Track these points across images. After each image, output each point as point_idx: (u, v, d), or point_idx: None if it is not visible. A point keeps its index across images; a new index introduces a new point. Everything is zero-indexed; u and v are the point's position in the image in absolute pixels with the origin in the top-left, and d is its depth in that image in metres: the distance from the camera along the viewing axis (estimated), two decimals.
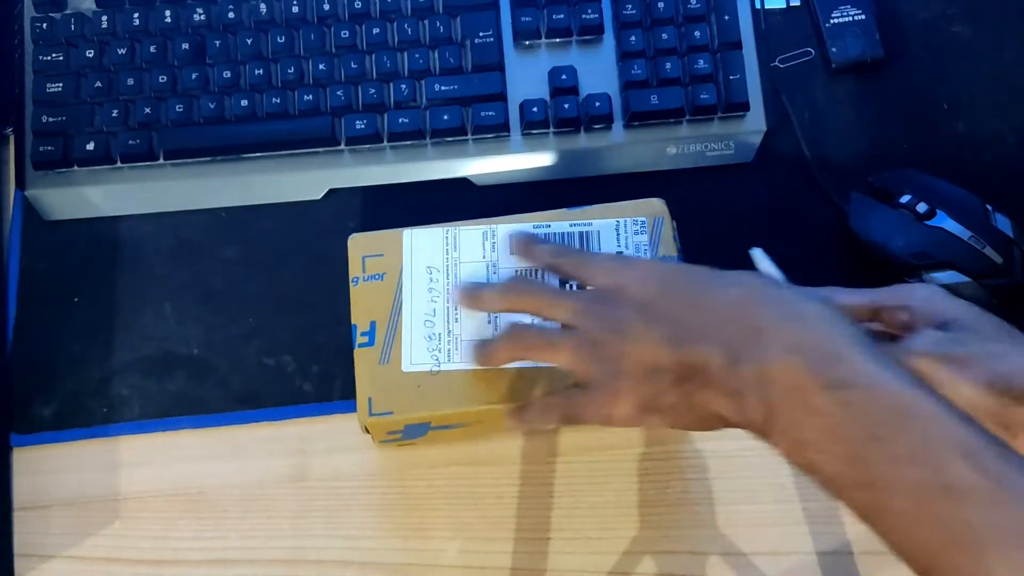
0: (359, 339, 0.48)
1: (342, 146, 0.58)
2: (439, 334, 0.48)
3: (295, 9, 0.58)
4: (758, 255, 0.52)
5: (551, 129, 0.58)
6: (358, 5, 0.58)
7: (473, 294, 0.47)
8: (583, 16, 0.58)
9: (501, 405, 0.46)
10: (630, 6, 0.58)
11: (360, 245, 0.50)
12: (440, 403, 0.47)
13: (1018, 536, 0.30)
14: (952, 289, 0.52)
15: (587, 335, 0.41)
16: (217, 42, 0.58)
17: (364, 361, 0.48)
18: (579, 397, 0.42)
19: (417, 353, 0.48)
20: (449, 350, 0.48)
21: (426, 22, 0.58)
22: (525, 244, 0.47)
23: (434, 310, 0.49)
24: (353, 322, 0.49)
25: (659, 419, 0.41)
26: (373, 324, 0.48)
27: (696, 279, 0.41)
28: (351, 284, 0.49)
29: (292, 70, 0.58)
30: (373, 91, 0.57)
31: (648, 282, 0.41)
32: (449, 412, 0.47)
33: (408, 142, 0.58)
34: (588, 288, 0.44)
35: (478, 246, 0.50)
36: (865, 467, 0.33)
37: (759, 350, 0.36)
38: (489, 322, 0.48)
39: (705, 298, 0.40)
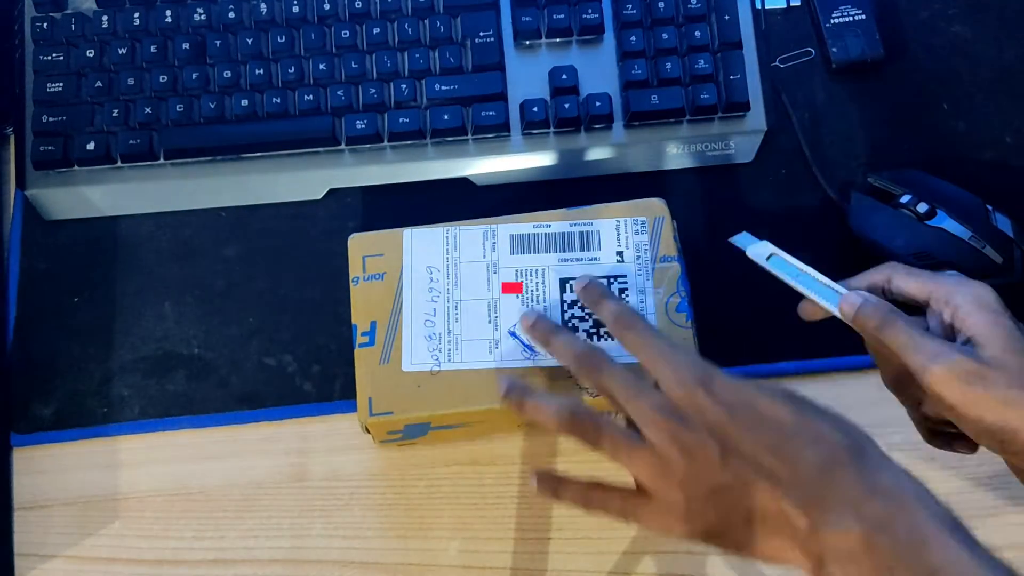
0: (359, 339, 0.48)
1: (342, 146, 0.58)
2: (439, 334, 0.48)
3: (295, 9, 0.58)
4: (742, 240, 0.50)
5: (551, 129, 0.58)
6: (358, 5, 0.58)
7: (543, 332, 0.45)
8: (583, 16, 0.58)
9: (501, 405, 0.46)
10: (630, 6, 0.58)
11: (360, 245, 0.50)
12: (440, 403, 0.47)
13: None
14: None
15: (661, 450, 0.39)
16: (217, 42, 0.58)
17: (364, 361, 0.48)
18: (642, 506, 0.40)
19: (417, 353, 0.48)
20: (449, 350, 0.48)
21: (426, 22, 0.58)
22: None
23: (434, 310, 0.49)
24: (353, 322, 0.49)
25: (722, 547, 0.39)
26: (373, 324, 0.48)
27: (780, 419, 0.38)
28: (351, 284, 0.49)
29: (292, 70, 0.58)
30: (373, 91, 0.57)
31: (733, 410, 0.38)
32: (449, 412, 0.47)
33: (408, 142, 0.58)
34: (665, 391, 0.40)
35: (478, 246, 0.50)
36: None
37: (846, 518, 0.35)
38: (490, 322, 0.48)
39: (790, 445, 0.37)
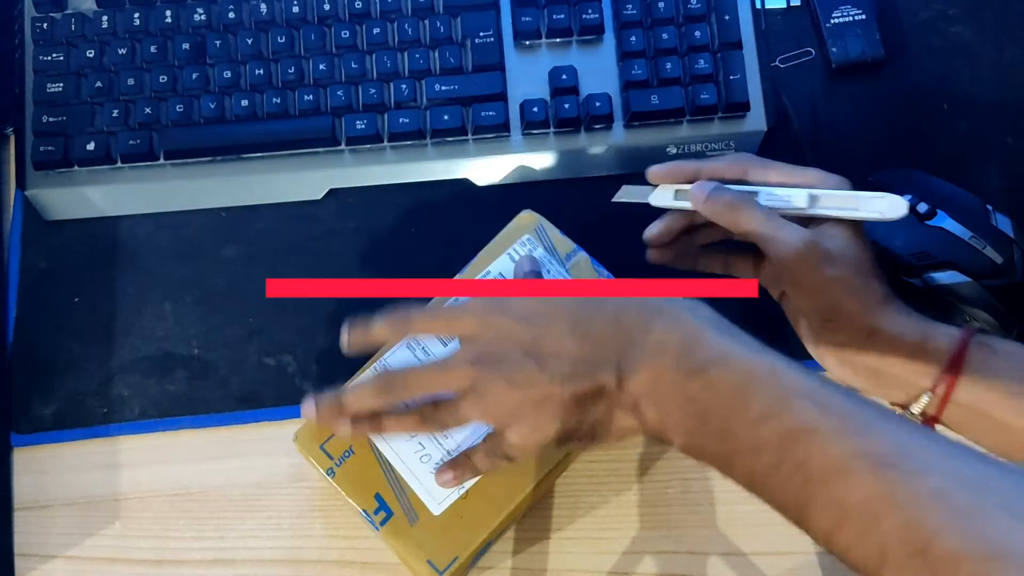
0: (376, 519, 0.46)
1: (342, 146, 0.58)
2: (441, 460, 0.47)
3: (295, 9, 0.58)
4: (634, 192, 0.51)
5: (551, 129, 0.58)
6: (358, 5, 0.58)
7: (348, 394, 0.45)
8: (583, 16, 0.58)
9: (536, 481, 0.47)
10: (630, 6, 0.58)
11: (307, 440, 0.48)
12: (490, 515, 0.46)
13: (862, 459, 0.32)
14: (953, 289, 0.52)
15: (482, 387, 0.41)
16: (217, 42, 0.58)
17: (396, 534, 0.46)
18: (499, 444, 0.43)
19: (437, 491, 0.47)
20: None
21: (426, 22, 0.58)
22: (392, 325, 0.45)
23: (420, 444, 0.47)
24: (360, 508, 0.47)
25: (579, 444, 0.42)
26: (379, 496, 0.47)
27: (572, 308, 0.41)
28: (328, 479, 0.47)
29: (292, 70, 0.58)
30: (373, 91, 0.57)
31: (526, 321, 0.41)
32: (502, 517, 0.46)
33: (408, 142, 0.58)
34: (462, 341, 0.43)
35: (411, 358, 0.49)
36: (734, 438, 0.36)
37: (637, 360, 0.38)
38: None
39: (586, 323, 0.40)
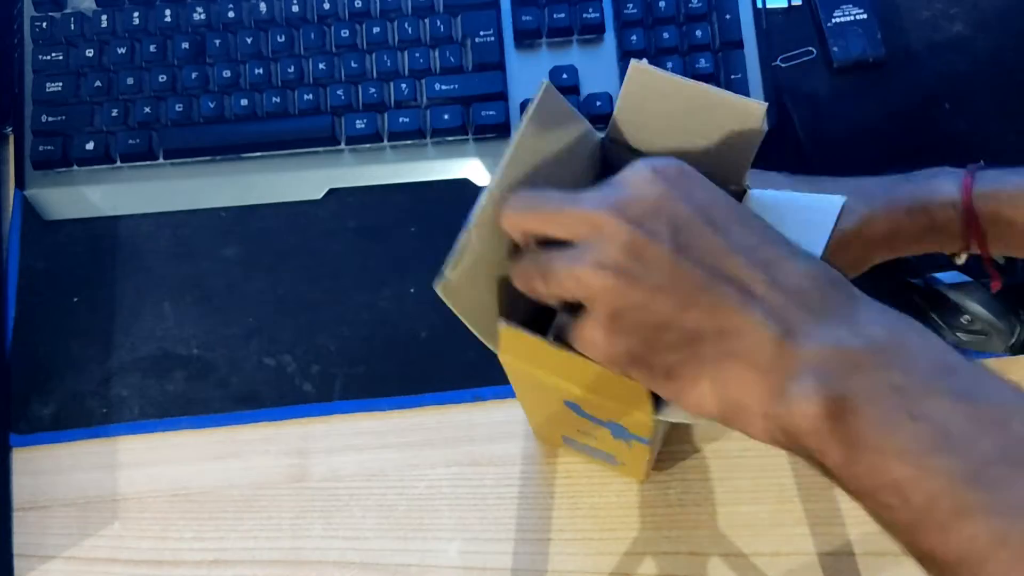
0: None
1: (342, 145, 0.58)
2: None
3: (295, 8, 0.58)
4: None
5: None
6: (358, 4, 0.58)
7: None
8: (584, 15, 0.58)
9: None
10: (631, 5, 0.58)
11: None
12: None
13: None
14: (955, 288, 0.52)
15: (605, 245, 0.31)
16: (217, 41, 0.58)
17: None
18: (580, 322, 0.32)
19: None
20: None
21: (426, 21, 0.58)
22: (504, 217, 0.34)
23: None
24: None
25: (643, 377, 0.31)
26: None
27: (752, 224, 0.31)
28: None
29: (292, 69, 0.58)
30: (373, 90, 0.57)
31: (697, 207, 0.31)
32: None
33: (408, 141, 0.58)
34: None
35: None
36: (991, 488, 0.26)
37: (841, 327, 0.28)
38: None
39: (766, 248, 0.30)
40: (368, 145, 0.58)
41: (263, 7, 0.58)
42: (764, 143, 0.59)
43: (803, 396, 0.28)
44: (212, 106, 0.57)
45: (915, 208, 0.48)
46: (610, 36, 0.59)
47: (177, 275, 0.57)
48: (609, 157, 0.39)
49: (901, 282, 0.54)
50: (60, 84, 0.58)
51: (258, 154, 0.58)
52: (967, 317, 0.52)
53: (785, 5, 0.61)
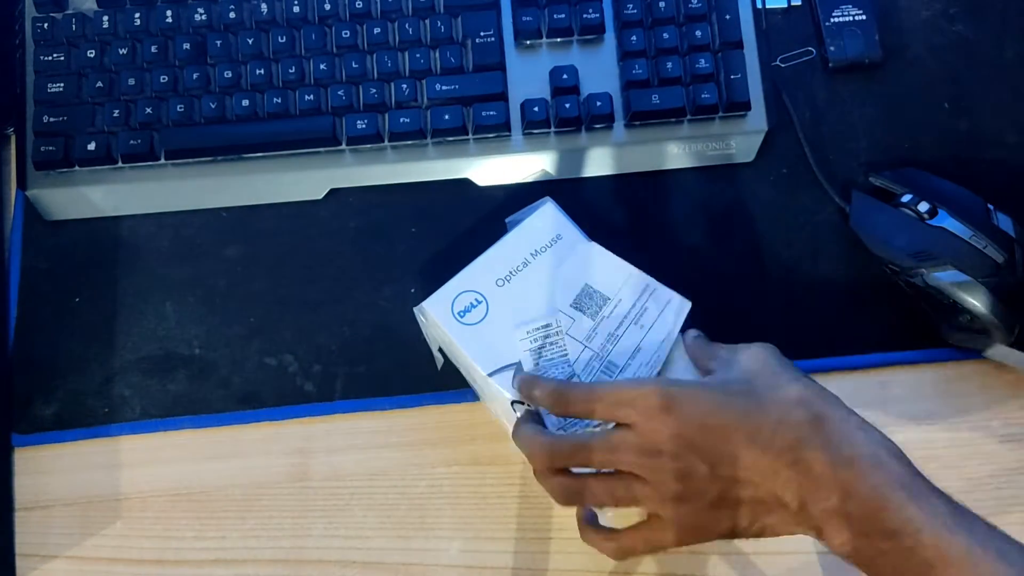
0: None
1: (343, 146, 0.58)
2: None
3: (296, 9, 0.58)
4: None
5: (552, 129, 0.58)
6: (359, 5, 0.58)
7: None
8: (584, 16, 0.58)
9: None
10: (631, 5, 0.58)
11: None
12: None
13: None
14: (954, 288, 0.52)
15: (658, 484, 0.41)
16: (218, 42, 0.58)
17: None
18: (658, 532, 0.43)
19: None
20: None
21: (427, 22, 0.58)
22: (526, 385, 0.46)
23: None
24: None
25: (740, 537, 0.42)
26: None
27: (741, 420, 0.41)
28: None
29: (293, 70, 0.58)
30: (374, 91, 0.57)
31: (702, 428, 0.41)
32: None
33: (409, 142, 0.58)
34: (619, 427, 0.43)
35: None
36: None
37: (822, 494, 0.39)
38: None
39: (760, 441, 0.40)
40: (369, 145, 0.58)
41: (264, 8, 0.59)
42: (763, 143, 0.59)
43: (830, 535, 0.40)
44: (213, 107, 0.57)
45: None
46: (610, 36, 0.59)
47: (178, 275, 0.57)
48: None
49: (901, 282, 0.54)
50: (61, 84, 0.58)
51: (259, 154, 0.58)
52: (967, 317, 0.52)
53: (784, 5, 0.61)
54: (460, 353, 0.49)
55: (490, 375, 0.48)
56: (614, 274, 0.50)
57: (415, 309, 0.50)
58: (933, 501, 0.38)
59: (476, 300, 0.49)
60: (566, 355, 0.48)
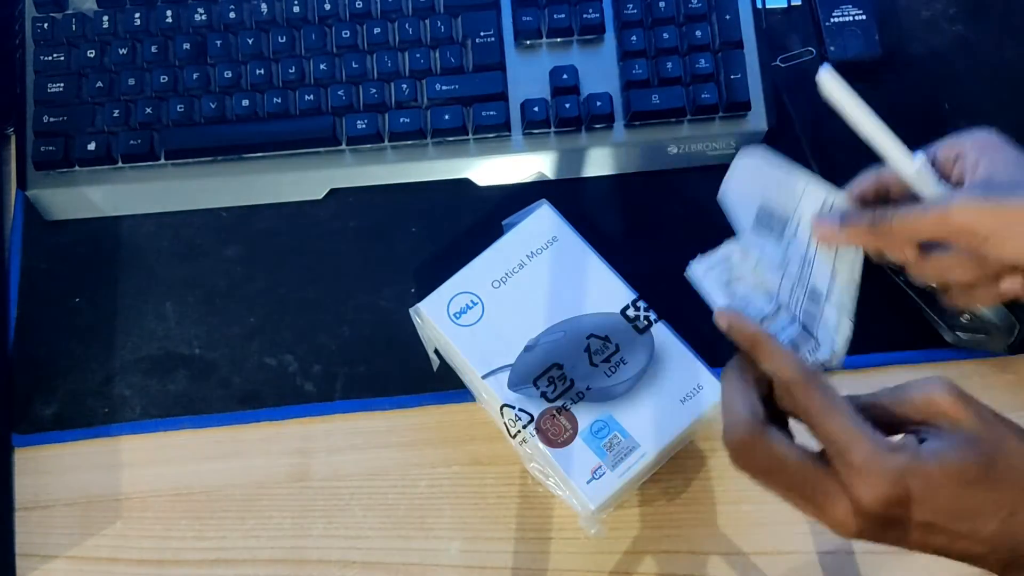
0: None
1: (343, 146, 0.58)
2: None
3: (296, 9, 0.58)
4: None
5: (552, 129, 0.58)
6: (359, 5, 0.58)
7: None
8: (584, 16, 0.58)
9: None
10: (631, 6, 0.58)
11: None
12: None
13: None
14: None
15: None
16: (218, 42, 0.58)
17: None
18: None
19: None
20: None
21: (427, 22, 0.58)
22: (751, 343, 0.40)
23: None
24: None
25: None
26: None
27: (950, 490, 0.36)
28: None
29: (293, 70, 0.58)
30: (374, 91, 0.57)
31: (928, 487, 0.36)
32: None
33: (409, 142, 0.58)
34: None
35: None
36: None
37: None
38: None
39: (969, 505, 0.36)
40: (369, 145, 0.58)
41: (264, 8, 0.59)
42: (764, 143, 0.59)
43: None
44: (213, 107, 0.57)
45: None
46: (610, 36, 0.59)
47: (178, 275, 0.57)
48: None
49: (900, 282, 0.54)
50: (61, 84, 0.58)
51: (259, 154, 0.58)
52: (967, 316, 0.52)
53: (785, 5, 0.61)
54: (455, 354, 0.49)
55: (484, 377, 0.48)
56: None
57: (411, 310, 0.50)
58: None
59: (472, 302, 0.50)
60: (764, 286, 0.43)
